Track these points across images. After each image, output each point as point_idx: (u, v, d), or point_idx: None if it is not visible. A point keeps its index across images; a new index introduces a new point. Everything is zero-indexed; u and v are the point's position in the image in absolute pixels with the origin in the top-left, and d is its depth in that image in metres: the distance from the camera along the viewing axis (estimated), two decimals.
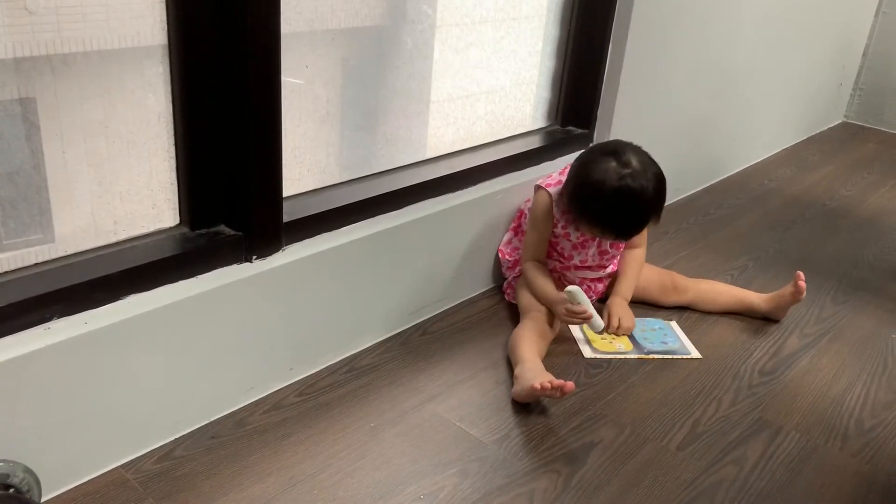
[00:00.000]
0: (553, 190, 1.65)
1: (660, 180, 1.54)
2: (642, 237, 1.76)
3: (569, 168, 1.63)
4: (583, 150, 1.65)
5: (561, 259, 1.72)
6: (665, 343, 1.67)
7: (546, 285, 1.65)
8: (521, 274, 1.75)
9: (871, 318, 1.86)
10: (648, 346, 1.66)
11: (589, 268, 1.73)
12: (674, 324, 1.75)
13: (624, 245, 1.74)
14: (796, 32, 2.81)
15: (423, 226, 1.60)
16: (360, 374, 1.49)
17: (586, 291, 1.71)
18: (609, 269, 1.77)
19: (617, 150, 1.54)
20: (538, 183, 1.69)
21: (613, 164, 1.51)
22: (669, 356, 1.63)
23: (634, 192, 1.50)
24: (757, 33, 2.54)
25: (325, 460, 1.27)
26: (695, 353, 1.65)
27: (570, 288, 1.56)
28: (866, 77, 3.50)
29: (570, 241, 1.69)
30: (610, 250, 1.72)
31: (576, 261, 1.71)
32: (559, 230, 1.68)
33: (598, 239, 1.67)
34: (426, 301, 1.69)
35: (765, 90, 2.75)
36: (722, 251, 2.16)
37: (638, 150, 1.55)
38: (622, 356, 1.63)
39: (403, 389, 1.46)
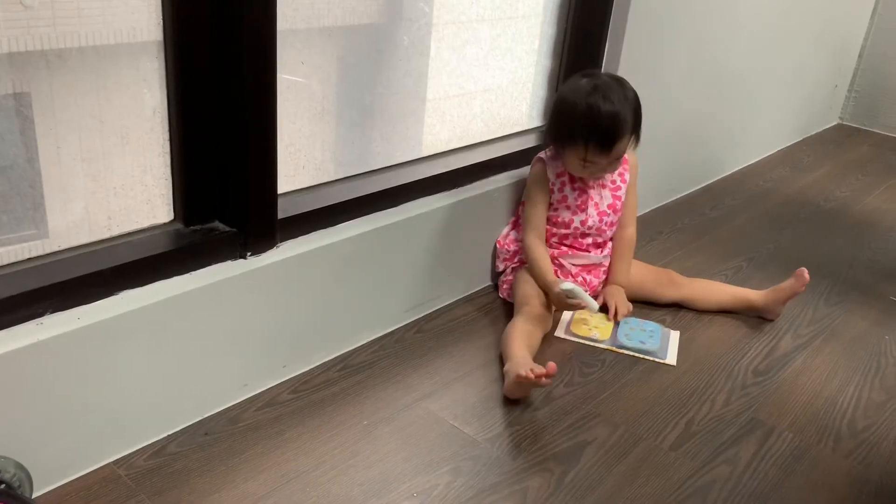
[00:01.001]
0: (546, 156, 1.72)
1: (633, 91, 1.63)
2: (632, 212, 1.78)
3: None
4: None
5: (564, 226, 1.72)
6: (643, 343, 1.64)
7: (545, 266, 1.67)
8: (522, 258, 1.76)
9: (864, 318, 1.86)
10: (626, 342, 1.64)
11: (591, 240, 1.74)
12: (672, 333, 1.71)
13: (620, 209, 1.75)
14: (792, 34, 2.82)
15: (419, 224, 1.60)
16: (354, 371, 1.49)
17: (581, 284, 1.73)
18: (606, 252, 1.78)
19: (590, 72, 1.67)
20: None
21: (585, 80, 1.63)
22: (640, 356, 1.62)
23: (608, 91, 1.58)
24: (753, 34, 2.54)
25: (318, 458, 1.27)
26: (670, 360, 1.62)
27: (564, 285, 1.57)
28: (861, 79, 3.51)
29: (568, 204, 1.71)
30: (608, 211, 1.73)
31: (577, 223, 1.71)
32: (556, 195, 1.70)
33: (594, 200, 1.71)
34: (421, 299, 1.68)
35: (760, 91, 2.76)
36: (717, 251, 2.16)
37: (611, 74, 1.67)
38: (592, 343, 1.64)
39: (397, 387, 1.46)
